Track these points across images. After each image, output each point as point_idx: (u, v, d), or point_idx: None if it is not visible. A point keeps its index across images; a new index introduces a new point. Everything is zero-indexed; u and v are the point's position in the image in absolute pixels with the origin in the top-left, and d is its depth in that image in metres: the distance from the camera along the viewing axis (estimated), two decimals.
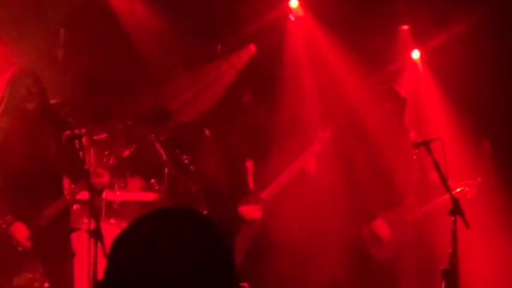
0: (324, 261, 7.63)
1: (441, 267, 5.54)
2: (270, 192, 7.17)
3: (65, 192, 6.02)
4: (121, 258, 1.84)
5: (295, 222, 7.38)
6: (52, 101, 6.28)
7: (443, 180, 5.87)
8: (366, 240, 6.97)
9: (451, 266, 5.54)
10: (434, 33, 8.82)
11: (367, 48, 8.45)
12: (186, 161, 7.98)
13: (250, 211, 7.12)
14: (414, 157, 6.88)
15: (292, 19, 8.99)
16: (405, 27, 9.07)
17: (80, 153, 5.49)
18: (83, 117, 7.57)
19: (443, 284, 5.44)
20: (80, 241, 6.14)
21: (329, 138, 7.31)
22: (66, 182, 6.09)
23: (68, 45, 8.29)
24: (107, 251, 1.98)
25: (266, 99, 8.06)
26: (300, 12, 8.95)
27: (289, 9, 8.99)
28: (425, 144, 6.03)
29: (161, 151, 7.70)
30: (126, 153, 7.58)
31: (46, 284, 6.38)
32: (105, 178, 6.14)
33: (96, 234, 5.21)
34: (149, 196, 7.98)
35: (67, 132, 5.64)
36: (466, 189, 6.92)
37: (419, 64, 9.10)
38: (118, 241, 1.88)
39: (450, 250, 5.56)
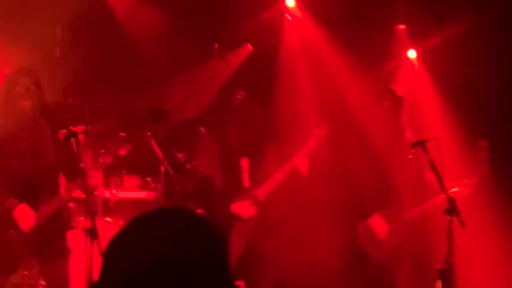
0: (320, 260, 7.64)
1: (437, 267, 5.56)
2: (265, 190, 7.18)
3: (62, 190, 6.02)
4: (116, 259, 1.84)
5: (290, 221, 7.39)
6: (49, 99, 6.27)
7: (439, 179, 5.88)
8: (362, 239, 6.97)
9: (447, 266, 5.55)
10: (430, 33, 8.83)
11: (363, 47, 8.45)
12: (182, 159, 7.99)
13: (242, 207, 7.12)
14: (411, 156, 6.89)
15: (289, 18, 9.00)
16: (402, 26, 9.08)
17: (76, 151, 5.48)
18: (80, 116, 7.57)
19: (440, 284, 5.46)
20: (76, 239, 6.14)
21: (324, 135, 7.31)
22: (62, 180, 6.09)
23: (66, 43, 8.28)
24: (103, 249, 1.98)
25: (262, 98, 8.06)
26: (297, 12, 8.96)
27: (286, 8, 9.00)
28: (422, 143, 6.04)
29: (158, 149, 7.71)
30: (123, 151, 7.58)
31: (41, 282, 6.40)
32: (97, 179, 6.13)
33: (92, 233, 5.22)
34: (146, 194, 7.98)
35: (63, 130, 5.64)
36: (462, 188, 6.93)
37: (416, 63, 9.10)
38: (114, 241, 1.88)
39: (446, 250, 5.58)
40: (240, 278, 7.10)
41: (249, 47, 9.23)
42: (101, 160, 6.43)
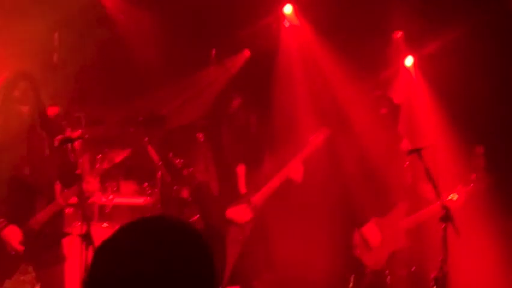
0: (316, 266, 7.65)
1: (432, 275, 5.57)
2: (261, 197, 7.18)
3: (58, 196, 6.02)
4: (101, 267, 1.84)
5: (286, 227, 7.40)
6: (47, 105, 6.26)
7: (435, 187, 5.90)
8: (357, 246, 6.97)
9: (442, 274, 5.57)
10: (427, 40, 8.85)
11: (361, 54, 8.47)
12: (179, 165, 7.99)
13: (238, 212, 7.12)
14: (407, 164, 6.91)
15: (287, 25, 9.02)
16: (399, 33, 9.10)
17: (72, 157, 5.46)
18: (77, 121, 7.57)
19: None
20: (72, 245, 6.14)
21: (321, 143, 7.30)
22: (59, 186, 6.08)
23: (63, 49, 8.29)
24: None
25: (260, 104, 8.07)
26: (294, 19, 8.98)
27: (283, 15, 9.02)
28: (417, 151, 6.06)
29: (155, 155, 7.71)
30: (120, 157, 7.58)
31: (37, 287, 6.39)
32: (94, 186, 6.11)
33: (87, 239, 5.22)
34: (142, 200, 7.98)
35: (59, 136, 5.62)
36: (458, 196, 6.94)
37: (412, 70, 9.13)
38: (100, 250, 1.89)
39: (441, 257, 5.59)
40: (236, 283, 7.11)
41: (247, 53, 9.25)
42: (98, 166, 6.41)
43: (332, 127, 7.54)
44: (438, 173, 5.92)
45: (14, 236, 5.74)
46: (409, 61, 9.12)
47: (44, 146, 5.94)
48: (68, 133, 5.80)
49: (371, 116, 7.19)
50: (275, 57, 8.96)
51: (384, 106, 7.18)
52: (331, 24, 8.68)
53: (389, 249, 6.94)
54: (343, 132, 7.51)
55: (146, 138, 7.68)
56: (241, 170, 7.32)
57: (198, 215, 7.77)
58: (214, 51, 9.11)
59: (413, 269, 7.31)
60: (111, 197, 7.71)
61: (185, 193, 7.89)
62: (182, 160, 8.05)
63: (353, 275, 6.98)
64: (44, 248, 5.91)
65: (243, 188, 7.26)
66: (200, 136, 7.96)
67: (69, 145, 5.56)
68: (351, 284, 6.94)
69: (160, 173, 7.79)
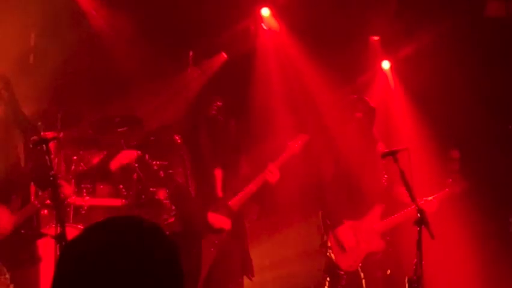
0: (292, 270, 7.66)
1: (407, 277, 5.60)
2: (238, 201, 7.17)
3: (33, 198, 5.99)
4: (67, 268, 1.85)
5: (263, 230, 7.39)
6: (22, 106, 6.22)
7: (409, 190, 5.92)
8: (331, 248, 6.98)
9: (416, 276, 5.59)
10: (403, 44, 8.90)
11: (338, 58, 8.51)
12: (155, 167, 7.97)
13: (219, 220, 7.09)
14: (382, 167, 6.93)
15: (265, 27, 9.04)
16: (376, 37, 9.15)
17: (47, 158, 5.41)
18: (53, 123, 7.53)
19: None
20: (46, 247, 6.11)
21: (299, 148, 7.26)
22: (33, 188, 6.05)
23: (39, 50, 8.26)
24: None
25: (237, 107, 8.06)
26: (272, 21, 9.00)
27: (261, 18, 9.04)
28: (392, 154, 6.09)
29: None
30: (96, 159, 7.55)
31: None
32: (68, 189, 6.05)
33: (61, 240, 5.19)
34: (117, 202, 7.94)
35: (34, 137, 5.56)
36: (433, 199, 6.97)
37: (389, 74, 9.17)
38: (65, 250, 1.90)
39: (415, 260, 5.62)
40: (212, 287, 7.10)
41: (224, 55, 9.25)
42: (73, 168, 6.38)
43: (308, 130, 7.54)
44: (414, 176, 5.93)
45: (3, 217, 5.70)
46: (386, 65, 9.17)
47: (19, 148, 5.91)
48: (43, 134, 5.75)
49: (347, 119, 7.20)
50: (252, 60, 8.97)
51: (360, 110, 7.18)
52: (308, 28, 8.71)
53: (364, 251, 6.95)
54: (319, 135, 7.52)
55: (123, 140, 7.66)
56: (218, 173, 7.31)
57: (174, 217, 7.75)
58: (191, 54, 9.10)
59: (388, 272, 7.33)
60: (87, 198, 7.67)
61: (161, 195, 7.87)
62: (159, 162, 8.04)
63: (328, 277, 6.98)
64: (18, 249, 5.88)
65: (220, 192, 7.24)
66: (177, 138, 7.93)
67: (44, 146, 5.50)
68: (326, 286, 6.95)
69: (135, 174, 7.76)
